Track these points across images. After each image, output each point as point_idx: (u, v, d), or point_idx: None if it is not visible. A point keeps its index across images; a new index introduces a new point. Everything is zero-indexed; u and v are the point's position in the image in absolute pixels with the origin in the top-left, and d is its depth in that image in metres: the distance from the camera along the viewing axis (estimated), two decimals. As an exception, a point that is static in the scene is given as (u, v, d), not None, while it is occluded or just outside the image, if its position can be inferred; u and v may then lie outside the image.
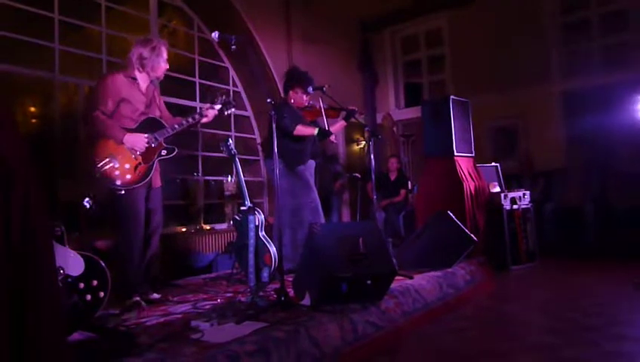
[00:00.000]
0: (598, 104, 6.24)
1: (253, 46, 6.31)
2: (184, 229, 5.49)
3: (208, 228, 5.76)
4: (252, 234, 3.58)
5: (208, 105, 3.37)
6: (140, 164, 3.07)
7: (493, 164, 6.02)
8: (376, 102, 8.35)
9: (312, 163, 4.37)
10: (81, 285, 2.39)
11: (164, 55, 3.25)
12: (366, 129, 4.52)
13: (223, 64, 6.40)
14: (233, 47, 3.17)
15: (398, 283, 3.44)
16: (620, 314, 3.24)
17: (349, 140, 7.84)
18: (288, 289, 3.04)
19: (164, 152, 3.18)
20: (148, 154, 3.10)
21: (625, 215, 5.51)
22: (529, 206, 5.39)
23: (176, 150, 3.24)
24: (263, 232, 3.75)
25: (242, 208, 3.74)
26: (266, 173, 6.55)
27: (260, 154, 6.54)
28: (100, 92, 3.11)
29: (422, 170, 5.86)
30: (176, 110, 3.56)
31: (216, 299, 3.32)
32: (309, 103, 4.26)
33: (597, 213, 5.73)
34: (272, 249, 3.62)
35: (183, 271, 4.70)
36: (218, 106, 3.36)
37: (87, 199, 2.93)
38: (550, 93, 6.88)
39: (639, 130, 5.91)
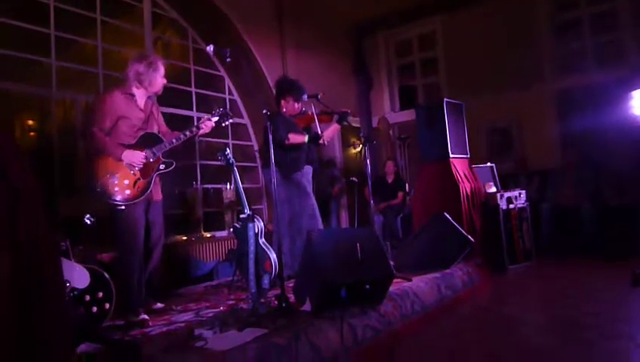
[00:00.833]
0: (592, 102, 6.31)
1: (248, 56, 6.37)
2: (184, 238, 5.54)
3: (208, 236, 5.82)
4: (252, 241, 3.62)
5: (205, 117, 3.39)
6: (138, 179, 3.12)
7: (488, 164, 6.08)
8: (371, 105, 8.41)
9: (309, 169, 4.43)
10: (87, 297, 2.46)
11: (161, 70, 3.29)
12: (361, 134, 4.59)
13: (219, 73, 6.47)
14: (228, 59, 3.24)
15: (397, 286, 3.50)
16: (617, 312, 3.29)
17: (346, 144, 7.90)
18: (289, 296, 3.11)
19: (162, 166, 3.23)
20: (146, 169, 3.15)
21: (620, 213, 5.57)
22: (525, 205, 5.45)
23: (174, 164, 3.28)
24: (263, 239, 3.80)
25: (241, 216, 3.79)
26: (264, 181, 6.62)
27: (258, 161, 6.60)
28: (97, 110, 3.17)
29: (418, 172, 5.92)
30: (173, 120, 3.61)
31: (218, 307, 3.38)
32: (301, 110, 4.33)
33: (593, 212, 5.78)
34: (273, 256, 3.68)
35: (184, 279, 4.76)
36: (215, 118, 3.40)
37: (87, 216, 2.98)
38: (544, 93, 6.95)
39: (633, 128, 5.98)
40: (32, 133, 5.09)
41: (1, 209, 1.42)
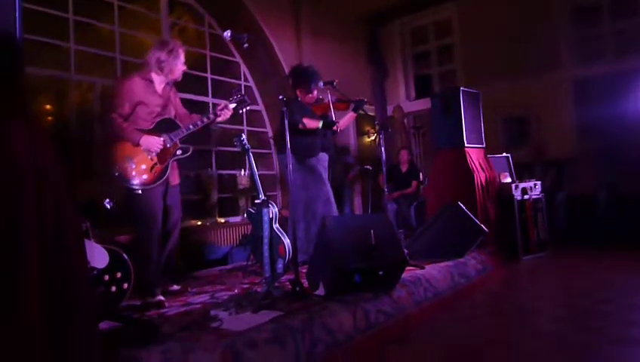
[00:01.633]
0: (609, 91, 6.22)
1: (264, 42, 6.37)
2: (200, 223, 5.62)
3: (223, 221, 5.88)
4: (266, 226, 3.66)
5: (223, 104, 3.40)
6: (156, 164, 3.17)
7: (504, 154, 6.04)
8: (386, 94, 8.38)
9: (324, 156, 4.44)
10: (106, 277, 2.52)
11: (182, 57, 3.32)
12: (376, 123, 4.59)
13: (235, 59, 6.49)
14: (245, 45, 3.26)
15: (410, 273, 3.52)
16: (633, 301, 3.27)
17: (360, 133, 7.89)
18: (303, 280, 3.14)
19: (179, 152, 3.27)
20: (163, 154, 3.19)
21: (637, 201, 5.51)
22: (540, 196, 5.41)
23: (191, 149, 3.32)
24: (277, 225, 3.84)
25: (256, 201, 3.83)
26: (278, 167, 6.65)
27: (272, 147, 6.64)
28: (117, 96, 3.21)
29: (432, 160, 5.90)
30: (188, 106, 3.63)
31: (233, 290, 3.43)
32: (317, 98, 4.34)
33: (609, 201, 5.73)
34: (286, 241, 3.71)
35: (199, 263, 4.84)
36: (233, 105, 3.41)
37: (107, 200, 3.04)
38: (561, 81, 6.86)
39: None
40: (49, 118, 5.17)
41: (33, 190, 1.46)
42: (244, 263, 4.35)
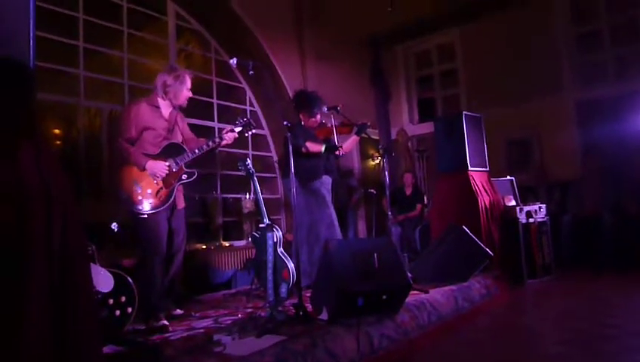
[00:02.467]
0: (611, 113, 6.26)
1: (269, 67, 6.49)
2: (204, 246, 5.63)
3: (227, 245, 5.89)
4: (270, 250, 3.68)
5: (229, 128, 3.46)
6: (161, 188, 3.21)
7: (508, 177, 6.05)
8: (390, 117, 8.45)
9: (328, 179, 4.47)
10: (111, 301, 2.53)
11: (188, 84, 3.39)
12: (380, 146, 4.63)
13: (240, 85, 6.59)
14: (251, 72, 3.32)
15: (414, 297, 3.51)
16: (639, 325, 3.24)
17: (365, 156, 7.94)
18: (306, 304, 3.14)
19: (184, 176, 3.31)
20: (169, 178, 3.24)
21: (641, 223, 5.49)
22: (545, 219, 5.40)
23: (196, 173, 3.36)
24: (282, 249, 3.85)
25: (260, 225, 3.85)
26: (283, 191, 6.68)
27: (277, 172, 6.68)
28: (124, 121, 3.29)
29: (436, 184, 5.92)
30: (195, 131, 3.69)
31: (236, 314, 3.43)
32: (320, 122, 4.40)
33: (614, 223, 5.70)
34: (290, 265, 3.72)
35: (203, 287, 4.83)
36: (238, 129, 3.46)
37: (114, 224, 3.07)
38: (563, 104, 6.91)
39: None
40: (58, 142, 5.24)
41: (41, 212, 1.49)
42: (248, 287, 4.35)
